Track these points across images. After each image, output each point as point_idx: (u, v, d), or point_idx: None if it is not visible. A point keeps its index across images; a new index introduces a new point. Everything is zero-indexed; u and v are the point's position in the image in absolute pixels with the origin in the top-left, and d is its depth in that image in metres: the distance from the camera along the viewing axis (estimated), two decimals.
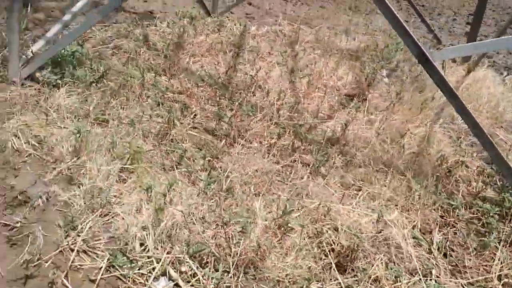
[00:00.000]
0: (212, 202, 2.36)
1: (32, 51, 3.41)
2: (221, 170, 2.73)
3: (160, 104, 3.36)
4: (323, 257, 2.20)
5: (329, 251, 2.22)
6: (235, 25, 6.13)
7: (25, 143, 2.68)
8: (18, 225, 2.10)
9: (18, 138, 2.69)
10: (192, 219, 2.15)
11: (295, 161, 3.05)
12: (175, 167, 2.75)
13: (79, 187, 2.35)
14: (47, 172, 2.49)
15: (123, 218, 2.14)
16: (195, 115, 3.48)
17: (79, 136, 2.58)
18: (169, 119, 3.03)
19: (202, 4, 6.08)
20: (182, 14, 6.13)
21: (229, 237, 2.04)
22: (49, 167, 2.54)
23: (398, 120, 3.68)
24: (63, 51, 3.52)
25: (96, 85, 3.35)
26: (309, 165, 3.04)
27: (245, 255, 2.01)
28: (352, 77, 4.85)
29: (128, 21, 5.62)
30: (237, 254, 2.01)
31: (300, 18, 8.28)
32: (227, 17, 6.57)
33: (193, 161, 2.87)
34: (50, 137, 2.76)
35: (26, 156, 2.60)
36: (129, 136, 2.88)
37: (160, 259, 1.96)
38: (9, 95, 3.17)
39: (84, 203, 2.22)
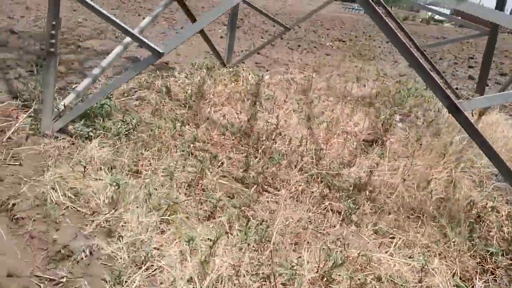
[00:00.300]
0: (255, 253, 2.36)
1: (64, 105, 3.52)
2: (255, 220, 2.74)
3: (190, 154, 3.43)
4: None
5: None
6: (249, 74, 6.35)
7: (62, 195, 2.71)
8: (64, 280, 2.10)
9: (56, 191, 2.72)
10: (238, 271, 2.15)
11: (326, 208, 3.07)
12: (209, 216, 2.78)
13: (120, 240, 2.36)
14: (86, 225, 2.51)
15: (168, 271, 2.14)
16: (222, 163, 3.54)
17: (117, 188, 2.62)
18: (201, 169, 3.08)
19: (218, 56, 6.31)
20: (198, 66, 6.37)
21: None
22: (87, 220, 2.56)
23: (421, 166, 3.73)
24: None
25: (127, 136, 3.42)
26: (339, 213, 3.06)
27: None
28: (368, 122, 4.96)
29: (147, 73, 5.83)
30: None
31: (309, 66, 8.57)
32: (241, 67, 6.81)
33: (225, 210, 2.89)
34: (86, 189, 2.80)
35: (64, 209, 2.63)
36: (163, 186, 2.92)
37: None
38: (43, 148, 3.25)
39: (128, 257, 2.23)
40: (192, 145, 3.61)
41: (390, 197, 3.30)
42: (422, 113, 5.43)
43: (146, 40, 3.01)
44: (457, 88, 7.90)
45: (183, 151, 3.44)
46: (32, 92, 4.39)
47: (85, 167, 2.89)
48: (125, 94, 4.67)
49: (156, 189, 2.84)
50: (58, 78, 5.51)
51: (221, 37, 11.48)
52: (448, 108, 2.63)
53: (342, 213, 3.00)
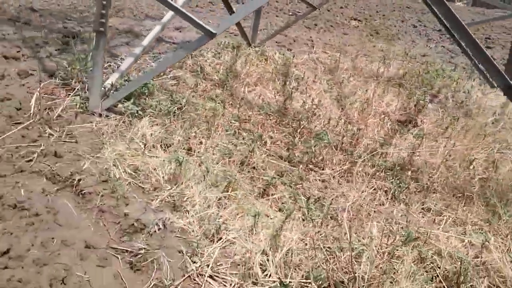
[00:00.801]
0: (320, 229, 2.45)
1: (112, 84, 3.57)
2: (311, 197, 2.82)
3: (235, 133, 3.49)
4: (429, 282, 2.27)
5: (434, 276, 2.29)
6: (275, 54, 6.35)
7: (123, 172, 2.79)
8: (142, 251, 2.19)
9: (117, 167, 2.80)
10: (307, 245, 2.24)
11: (373, 187, 3.15)
12: (262, 193, 2.86)
13: (187, 214, 2.45)
14: (151, 200, 2.60)
15: (240, 244, 2.23)
16: (265, 142, 3.60)
17: (179, 165, 2.70)
18: (252, 148, 3.15)
19: (244, 35, 6.30)
20: (224, 45, 6.36)
21: (350, 263, 2.12)
22: (151, 195, 2.64)
23: (460, 146, 3.78)
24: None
25: (176, 115, 3.48)
26: (386, 191, 3.14)
27: (370, 281, 2.08)
28: (400, 103, 4.99)
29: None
30: (359, 278, 2.08)
31: (329, 45, 8.54)
32: (266, 47, 6.80)
33: (277, 187, 2.97)
34: (145, 165, 2.87)
35: (126, 185, 2.71)
36: (217, 164, 2.99)
37: (285, 284, 2.04)
38: (95, 125, 3.32)
39: (199, 230, 2.32)
40: (235, 124, 3.67)
41: (432, 177, 3.37)
42: (452, 94, 5.45)
43: (198, 21, 3.03)
44: None
45: (227, 130, 3.51)
46: (69, 71, 4.43)
47: (145, 144, 2.96)
48: (162, 74, 4.70)
49: (212, 166, 2.91)
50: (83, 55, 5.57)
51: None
52: (502, 88, 2.66)
53: (390, 192, 3.08)
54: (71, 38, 6.39)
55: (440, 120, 4.51)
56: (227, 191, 2.69)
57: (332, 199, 2.82)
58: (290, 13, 13.55)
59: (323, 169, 3.41)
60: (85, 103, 3.59)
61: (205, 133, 3.36)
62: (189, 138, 3.25)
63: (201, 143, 3.26)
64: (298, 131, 3.86)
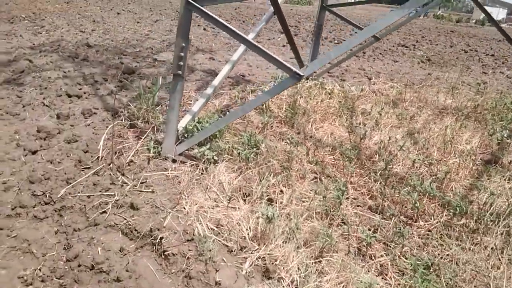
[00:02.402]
0: None
1: (185, 127, 3.41)
2: (418, 261, 2.48)
3: (318, 180, 3.22)
4: None
5: None
6: (335, 86, 6.11)
7: (206, 228, 2.57)
8: None
9: (200, 223, 2.59)
10: None
11: (477, 244, 2.77)
12: (357, 253, 2.55)
13: (283, 281, 2.18)
14: (241, 263, 2.35)
15: None
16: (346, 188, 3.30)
17: (268, 221, 2.45)
18: (339, 199, 2.86)
19: (302, 66, 6.10)
20: (279, 78, 6.18)
21: None
22: (239, 257, 2.40)
23: None
24: (207, 124, 3.53)
25: (251, 160, 3.26)
26: (493, 248, 2.75)
27: None
28: (480, 140, 4.59)
29: (236, 88, 5.74)
30: None
31: (383, 74, 8.21)
32: (323, 79, 6.58)
33: (374, 247, 2.65)
34: (227, 219, 2.64)
35: (211, 244, 2.48)
36: (301, 216, 2.72)
37: None
38: (170, 173, 3.14)
39: None
40: (313, 168, 3.40)
41: None
42: None
43: (286, 63, 2.83)
44: None
45: (304, 177, 3.24)
46: (135, 111, 4.34)
47: (230, 198, 2.73)
48: (222, 112, 4.54)
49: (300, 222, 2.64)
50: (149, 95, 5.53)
51: (283, 45, 11.33)
52: None
53: (500, 250, 2.69)
54: (129, 75, 6.43)
55: None
56: (321, 253, 2.41)
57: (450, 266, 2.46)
58: (336, 41, 13.37)
59: (415, 221, 3.06)
60: (156, 147, 3.44)
61: (284, 180, 3.11)
62: (268, 186, 3.00)
63: (281, 191, 3.00)
64: (384, 176, 3.53)
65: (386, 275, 2.41)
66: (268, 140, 3.69)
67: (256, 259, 2.37)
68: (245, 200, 2.85)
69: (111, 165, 3.41)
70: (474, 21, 30.81)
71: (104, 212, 2.82)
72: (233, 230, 2.58)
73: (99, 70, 6.57)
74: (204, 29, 13.07)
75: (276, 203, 2.88)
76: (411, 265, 2.36)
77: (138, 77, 6.47)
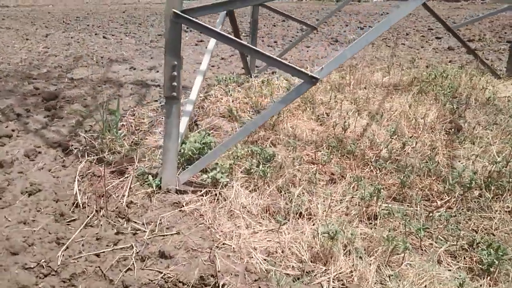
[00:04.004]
0: None
1: (182, 152, 3.04)
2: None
3: (337, 181, 3.12)
4: None
5: None
6: (282, 81, 6.05)
7: (260, 261, 2.32)
8: None
9: (251, 257, 2.32)
10: None
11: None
12: (423, 250, 2.52)
13: None
14: None
15: None
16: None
17: (331, 239, 2.29)
18: (369, 198, 2.79)
19: (246, 67, 5.94)
20: (230, 79, 5.95)
21: None
22: (310, 284, 2.20)
23: None
24: (196, 144, 3.22)
25: (266, 174, 3.03)
26: None
27: None
28: (436, 111, 4.89)
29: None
30: None
31: (314, 61, 8.40)
32: (268, 75, 6.50)
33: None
34: (275, 245, 2.42)
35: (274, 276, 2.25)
36: (351, 224, 2.61)
37: None
38: (187, 208, 2.78)
39: None
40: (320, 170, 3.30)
41: None
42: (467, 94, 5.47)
43: (299, 68, 2.64)
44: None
45: (312, 181, 3.12)
46: (99, 142, 3.79)
47: (281, 223, 2.49)
48: (193, 126, 4.20)
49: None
50: (84, 119, 4.89)
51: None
52: None
53: None
54: (53, 101, 5.63)
55: (487, 123, 4.46)
56: (390, 259, 2.32)
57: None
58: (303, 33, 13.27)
59: (432, 202, 3.14)
60: (151, 180, 3.03)
61: (308, 189, 2.95)
62: (291, 200, 2.81)
63: (309, 201, 2.84)
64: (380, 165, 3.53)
65: (462, 265, 2.40)
66: (266, 147, 3.48)
67: (332, 281, 2.19)
68: (277, 221, 2.63)
69: (102, 211, 2.92)
70: None
71: (129, 269, 2.39)
72: (287, 255, 2.37)
73: (15, 101, 5.65)
74: (104, 37, 12.11)
75: (312, 215, 2.72)
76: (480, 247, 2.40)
77: (64, 102, 5.71)
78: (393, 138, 4.02)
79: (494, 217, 2.81)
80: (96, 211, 2.94)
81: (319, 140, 4.01)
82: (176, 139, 2.82)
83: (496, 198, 3.05)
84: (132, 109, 5.12)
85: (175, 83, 2.69)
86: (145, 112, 4.99)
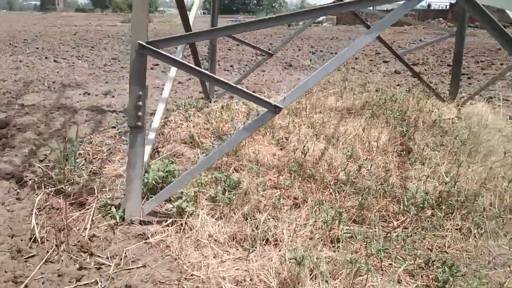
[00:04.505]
0: None
1: (146, 181, 3.02)
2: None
3: (300, 206, 3.21)
4: None
5: None
6: (242, 106, 6.15)
7: None
8: None
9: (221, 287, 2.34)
10: None
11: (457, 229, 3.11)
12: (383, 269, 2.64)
13: None
14: None
15: None
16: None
17: (297, 264, 2.35)
18: (332, 221, 2.90)
19: (206, 92, 6.01)
20: (189, 104, 5.98)
21: None
22: None
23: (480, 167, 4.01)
24: (160, 173, 3.22)
25: (232, 201, 3.06)
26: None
27: None
28: (388, 134, 5.17)
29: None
30: None
31: (271, 85, 8.60)
32: (228, 101, 6.58)
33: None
34: (243, 274, 2.45)
35: None
36: (315, 249, 2.69)
37: None
38: (152, 239, 2.75)
39: None
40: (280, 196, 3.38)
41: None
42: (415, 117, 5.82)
43: (262, 97, 2.73)
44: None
45: (277, 206, 3.20)
46: (57, 172, 3.68)
47: (249, 250, 2.52)
48: (155, 154, 4.18)
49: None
50: (37, 148, 4.72)
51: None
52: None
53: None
54: (4, 129, 5.39)
55: (434, 145, 4.77)
56: (355, 281, 2.42)
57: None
58: (261, 59, 13.35)
59: (389, 223, 3.30)
60: (112, 211, 2.98)
61: (273, 215, 3.02)
62: (257, 226, 2.86)
63: (275, 227, 2.91)
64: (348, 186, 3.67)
65: (420, 283, 2.54)
66: (232, 174, 3.53)
67: None
68: (247, 249, 2.66)
69: (63, 246, 2.82)
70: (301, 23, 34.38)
71: None
72: (256, 283, 2.41)
73: None
74: (55, 60, 11.78)
75: (278, 241, 2.78)
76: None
77: (16, 130, 5.49)
78: (349, 161, 4.18)
79: (446, 235, 3.00)
80: (56, 245, 2.84)
81: (280, 165, 4.11)
82: (140, 169, 2.81)
83: (447, 217, 3.26)
84: (88, 137, 5.01)
85: (140, 113, 2.70)
86: (103, 139, 4.90)
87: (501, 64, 12.23)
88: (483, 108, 5.97)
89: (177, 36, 2.73)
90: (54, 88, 8.25)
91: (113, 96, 7.66)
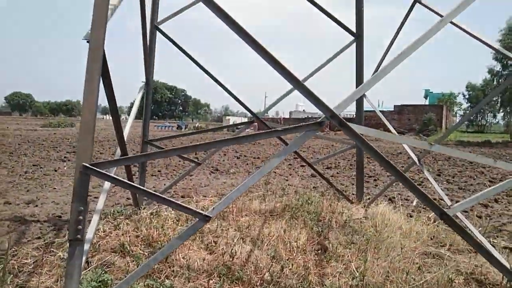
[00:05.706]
0: None
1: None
2: None
3: None
4: None
5: None
6: (171, 213, 6.43)
7: None
8: None
9: None
10: None
11: None
12: None
13: None
14: None
15: None
16: None
17: None
18: None
19: (135, 199, 6.24)
20: (117, 212, 6.12)
21: None
22: None
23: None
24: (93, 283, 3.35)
25: None
26: None
27: None
28: (306, 234, 5.72)
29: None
30: None
31: (198, 190, 9.00)
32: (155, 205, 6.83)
33: None
34: None
35: None
36: None
37: None
38: None
39: None
40: None
41: None
42: (329, 218, 6.53)
43: (191, 207, 3.13)
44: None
45: None
46: None
47: None
48: (88, 264, 4.25)
49: None
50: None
51: None
52: (439, 216, 3.51)
53: None
54: None
55: (347, 243, 5.39)
56: None
57: None
58: (190, 169, 13.62)
59: None
60: None
61: None
62: None
63: None
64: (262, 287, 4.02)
65: None
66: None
67: None
68: None
69: None
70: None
71: None
72: None
73: None
74: None
75: None
76: None
77: None
78: (273, 262, 4.59)
79: None
80: None
81: (210, 269, 4.38)
82: (77, 280, 2.96)
83: None
84: (12, 249, 4.91)
85: (80, 227, 2.95)
86: (28, 251, 4.83)
87: (402, 166, 14.00)
88: (386, 208, 6.86)
89: (116, 159, 3.13)
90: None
91: (37, 205, 7.53)
